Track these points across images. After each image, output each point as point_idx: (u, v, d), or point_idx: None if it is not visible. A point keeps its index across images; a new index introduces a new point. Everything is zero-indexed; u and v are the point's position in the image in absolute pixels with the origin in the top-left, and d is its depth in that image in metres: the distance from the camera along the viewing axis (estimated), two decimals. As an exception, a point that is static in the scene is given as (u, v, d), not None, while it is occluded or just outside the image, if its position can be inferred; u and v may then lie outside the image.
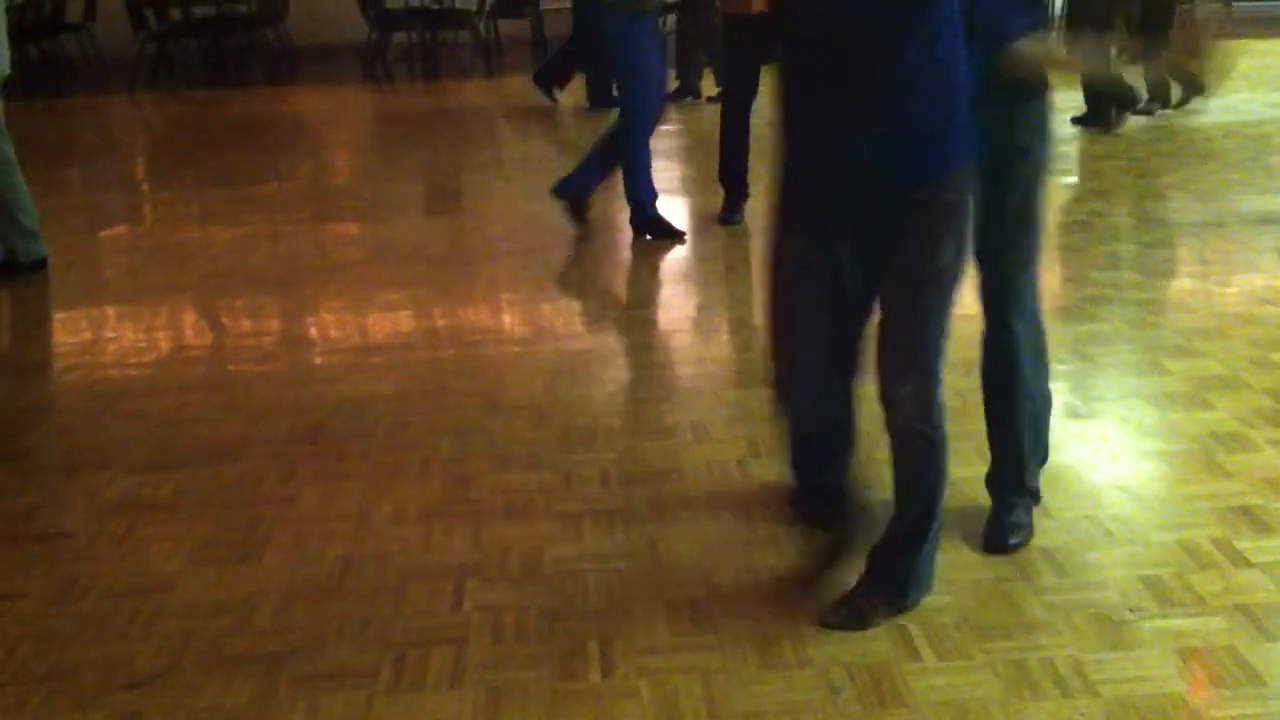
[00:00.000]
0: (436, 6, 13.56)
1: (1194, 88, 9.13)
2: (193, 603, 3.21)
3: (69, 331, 5.60)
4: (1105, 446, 3.89)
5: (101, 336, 5.52)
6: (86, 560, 3.46)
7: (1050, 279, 5.66)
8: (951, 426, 3.98)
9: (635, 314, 5.50)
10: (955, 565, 3.22)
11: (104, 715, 2.77)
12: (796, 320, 3.04)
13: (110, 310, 5.95)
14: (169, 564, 3.41)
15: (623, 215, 6.66)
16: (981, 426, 3.95)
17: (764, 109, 6.20)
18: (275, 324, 5.61)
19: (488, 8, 13.74)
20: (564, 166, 9.05)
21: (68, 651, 3.01)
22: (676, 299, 5.73)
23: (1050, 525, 3.40)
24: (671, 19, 10.76)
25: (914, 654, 2.86)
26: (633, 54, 6.18)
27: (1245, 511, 3.44)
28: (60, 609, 3.21)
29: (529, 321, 5.42)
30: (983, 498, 3.55)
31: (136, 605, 3.20)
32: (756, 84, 6.31)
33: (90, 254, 6.90)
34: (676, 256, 6.27)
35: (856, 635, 2.93)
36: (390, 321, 5.48)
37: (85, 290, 6.18)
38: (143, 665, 2.94)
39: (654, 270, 6.19)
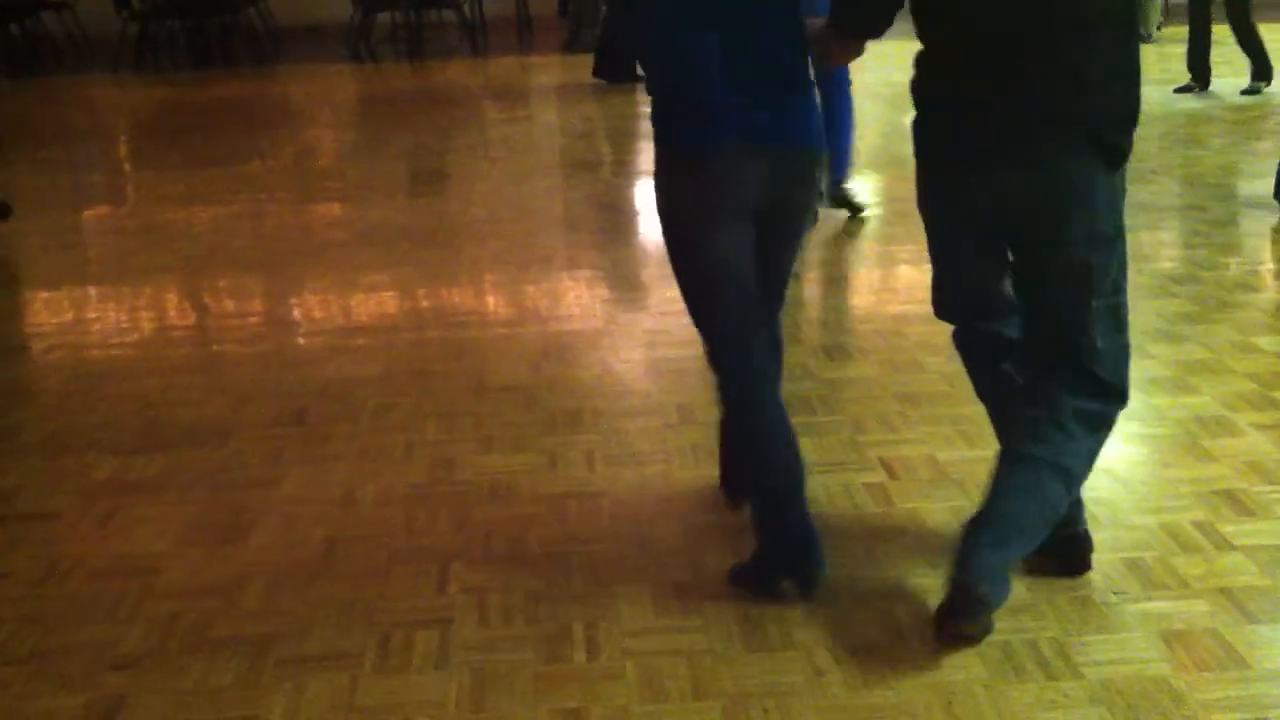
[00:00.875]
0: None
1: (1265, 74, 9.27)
2: (178, 584, 3.20)
3: (53, 312, 5.58)
4: (1089, 430, 3.90)
5: (85, 317, 5.50)
6: (71, 541, 3.45)
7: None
8: (938, 410, 4.03)
9: (621, 296, 5.49)
10: (939, 548, 3.22)
11: (89, 697, 2.76)
12: None
13: (94, 291, 5.93)
14: (155, 545, 3.41)
15: (609, 195, 6.67)
16: (968, 410, 3.97)
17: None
18: (260, 305, 5.59)
19: (473, -12, 13.70)
20: (550, 147, 9.07)
21: (52, 633, 3.01)
22: (662, 281, 5.71)
23: (1034, 508, 3.41)
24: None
25: (899, 636, 2.87)
26: None
27: (1228, 495, 3.46)
28: (45, 590, 3.20)
29: (514, 303, 5.41)
30: (967, 479, 3.56)
31: (122, 587, 3.19)
32: None
33: (74, 234, 6.87)
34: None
35: (841, 617, 2.94)
36: (375, 303, 5.47)
37: (69, 271, 6.16)
38: (128, 647, 2.94)
39: (640, 252, 6.18)
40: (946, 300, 3.13)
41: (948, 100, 2.87)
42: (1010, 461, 2.94)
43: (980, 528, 2.84)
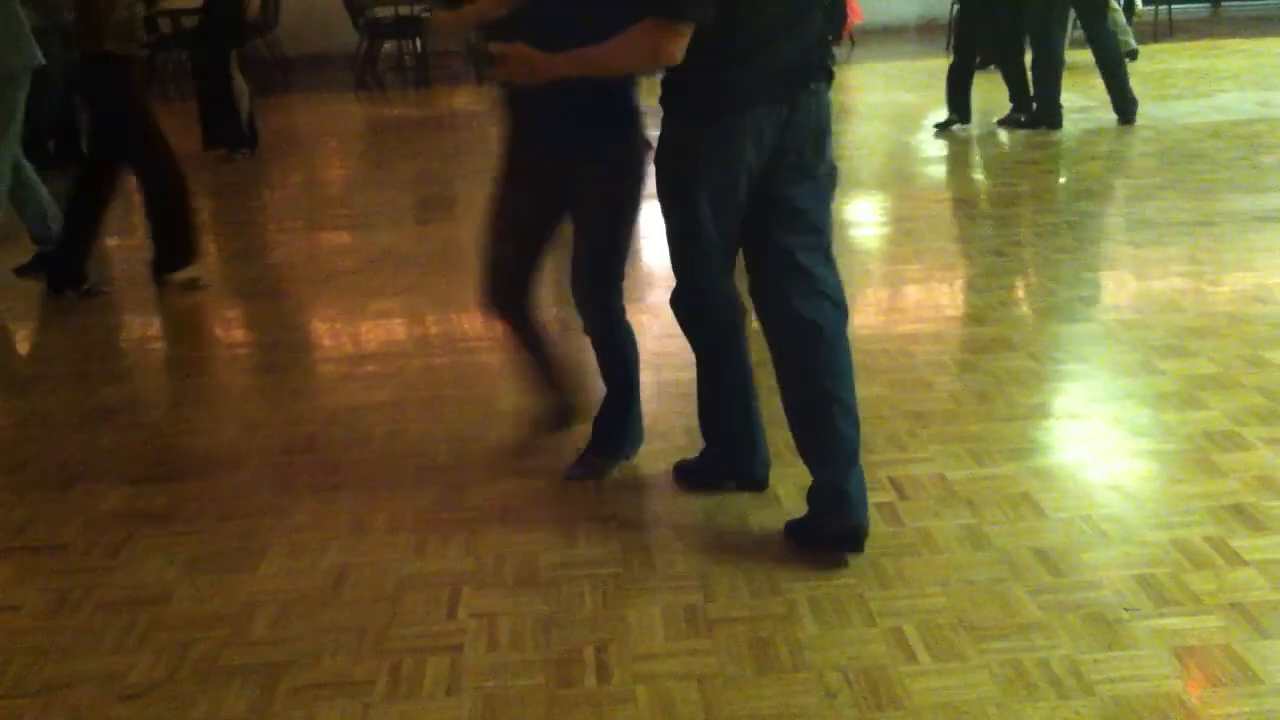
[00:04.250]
0: (427, 15, 13.59)
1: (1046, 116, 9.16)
2: (188, 614, 3.21)
3: (62, 343, 5.60)
4: (1098, 446, 3.90)
5: (95, 348, 5.51)
6: (81, 572, 3.45)
7: (1042, 279, 5.67)
8: (947, 428, 4.02)
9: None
10: (949, 566, 3.22)
11: (100, 727, 2.77)
12: None
13: (103, 321, 5.95)
14: (164, 575, 3.41)
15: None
16: (977, 428, 3.97)
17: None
18: (269, 334, 5.61)
19: (478, 15, 13.75)
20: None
21: (63, 664, 3.01)
22: (668, 305, 5.71)
23: (1044, 525, 3.41)
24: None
25: (910, 656, 2.86)
26: None
27: (1239, 510, 3.45)
28: (55, 621, 3.21)
29: (522, 328, 5.41)
30: (977, 498, 3.56)
31: (132, 617, 3.19)
32: None
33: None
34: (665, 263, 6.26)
35: (852, 638, 2.94)
36: (384, 330, 5.48)
37: (78, 302, 6.17)
38: (138, 677, 2.94)
39: (645, 276, 6.19)
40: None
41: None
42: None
43: None
